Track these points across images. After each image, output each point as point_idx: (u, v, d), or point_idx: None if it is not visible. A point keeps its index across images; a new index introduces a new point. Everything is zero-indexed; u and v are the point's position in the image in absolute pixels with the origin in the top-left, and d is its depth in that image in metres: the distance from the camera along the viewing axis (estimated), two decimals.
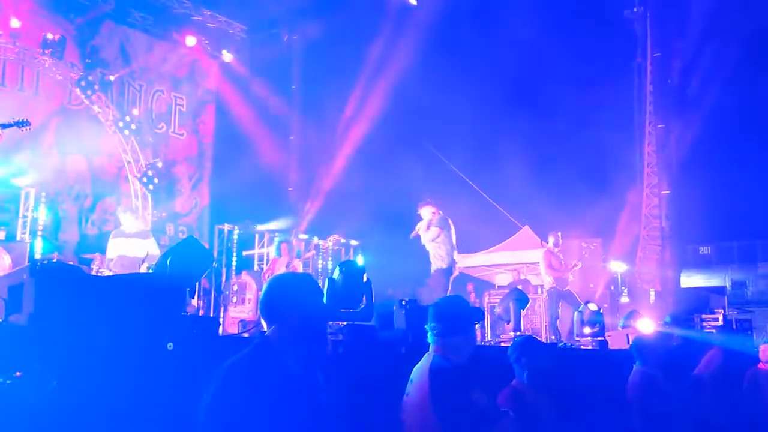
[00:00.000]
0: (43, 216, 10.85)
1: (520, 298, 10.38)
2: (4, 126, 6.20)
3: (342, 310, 5.77)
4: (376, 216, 15.44)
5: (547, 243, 11.18)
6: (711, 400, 6.41)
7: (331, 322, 5.76)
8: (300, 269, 12.69)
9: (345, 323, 5.05)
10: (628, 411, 5.48)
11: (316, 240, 14.46)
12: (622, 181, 17.62)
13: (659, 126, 16.21)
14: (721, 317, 13.89)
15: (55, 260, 9.64)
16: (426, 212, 9.33)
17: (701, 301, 14.56)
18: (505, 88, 16.46)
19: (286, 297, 2.49)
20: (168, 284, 4.17)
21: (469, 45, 15.47)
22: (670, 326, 9.20)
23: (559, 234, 10.99)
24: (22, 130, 6.49)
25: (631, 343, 5.92)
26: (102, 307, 3.41)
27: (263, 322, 2.53)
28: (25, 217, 10.51)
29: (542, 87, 16.29)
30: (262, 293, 2.58)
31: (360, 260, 14.02)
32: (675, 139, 16.81)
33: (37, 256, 9.73)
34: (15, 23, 11.47)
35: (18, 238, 10.20)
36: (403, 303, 5.39)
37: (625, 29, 17.71)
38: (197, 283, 5.81)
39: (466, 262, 17.54)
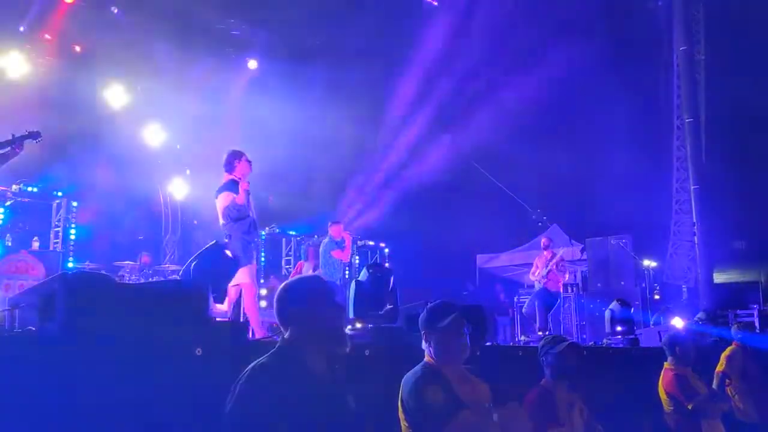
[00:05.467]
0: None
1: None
2: (19, 139, 6.21)
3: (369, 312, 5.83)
4: (402, 216, 15.47)
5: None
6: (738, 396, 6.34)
7: (357, 324, 5.79)
8: None
9: (371, 325, 5.07)
10: (660, 409, 5.42)
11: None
12: (651, 176, 17.39)
13: (687, 120, 15.92)
14: (756, 312, 13.63)
15: (87, 269, 9.83)
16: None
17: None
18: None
19: (295, 301, 2.51)
20: (194, 289, 4.21)
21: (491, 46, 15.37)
22: (702, 323, 9.08)
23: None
24: (36, 142, 6.52)
25: (662, 340, 5.84)
26: (131, 314, 3.46)
27: (281, 328, 2.55)
28: (57, 226, 10.71)
29: (570, 84, 16.08)
30: (275, 300, 2.59)
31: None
32: (704, 133, 16.52)
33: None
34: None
35: (51, 248, 10.43)
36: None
37: (652, 22, 17.51)
38: (224, 289, 5.82)
39: (493, 262, 17.50)
